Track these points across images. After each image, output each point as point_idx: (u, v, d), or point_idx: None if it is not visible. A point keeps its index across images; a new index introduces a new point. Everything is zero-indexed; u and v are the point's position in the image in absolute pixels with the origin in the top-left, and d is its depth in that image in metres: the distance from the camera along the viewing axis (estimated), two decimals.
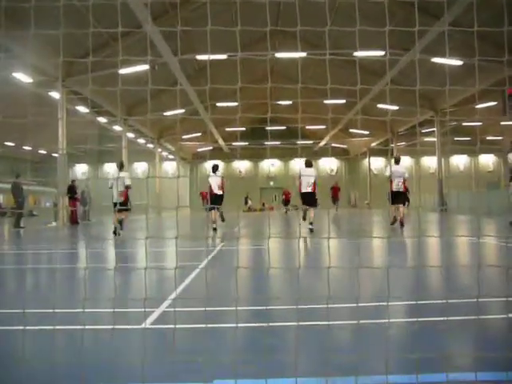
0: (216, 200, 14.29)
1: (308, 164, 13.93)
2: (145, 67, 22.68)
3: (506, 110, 23.65)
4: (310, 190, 13.47)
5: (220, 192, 14.51)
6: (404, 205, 14.51)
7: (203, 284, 4.67)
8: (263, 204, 51.02)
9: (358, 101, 29.60)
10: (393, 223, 14.13)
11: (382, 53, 22.64)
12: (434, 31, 17.89)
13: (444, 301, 3.83)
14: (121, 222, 13.11)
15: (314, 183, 13.51)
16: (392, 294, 4.36)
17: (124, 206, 12.63)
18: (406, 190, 15.16)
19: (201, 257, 7.85)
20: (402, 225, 13.70)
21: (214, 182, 14.50)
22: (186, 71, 27.49)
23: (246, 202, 48.38)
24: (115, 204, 12.63)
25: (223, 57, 23.64)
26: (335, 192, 29.91)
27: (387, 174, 14.52)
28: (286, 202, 34.15)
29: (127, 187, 13.14)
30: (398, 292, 4.60)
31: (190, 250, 9.31)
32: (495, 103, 27.71)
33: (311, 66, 28.60)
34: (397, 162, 14.53)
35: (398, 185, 13.96)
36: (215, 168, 14.91)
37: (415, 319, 3.52)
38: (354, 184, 51.34)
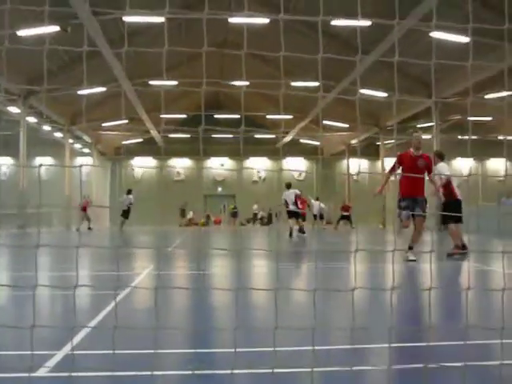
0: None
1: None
2: (53, 29, 22.33)
3: None
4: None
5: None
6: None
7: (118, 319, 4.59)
8: (208, 216, 50.92)
9: (319, 78, 29.91)
10: (458, 251, 12.24)
11: (367, 23, 22.98)
12: None
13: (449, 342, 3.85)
14: (300, 229, 21.02)
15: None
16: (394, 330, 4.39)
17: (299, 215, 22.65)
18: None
19: (122, 283, 7.76)
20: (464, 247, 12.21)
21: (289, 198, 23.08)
22: (110, 36, 27.19)
23: (183, 215, 48.14)
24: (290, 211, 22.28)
25: (160, 19, 23.52)
26: (417, 184, 12.73)
27: (446, 172, 13.27)
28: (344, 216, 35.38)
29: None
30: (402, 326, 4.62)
31: (109, 274, 9.18)
32: (510, 93, 28.48)
33: (276, 37, 28.70)
34: (441, 157, 13.41)
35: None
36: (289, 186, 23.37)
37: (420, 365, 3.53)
38: (327, 193, 51.51)
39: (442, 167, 12.98)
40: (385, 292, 6.19)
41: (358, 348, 4.03)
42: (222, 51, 32.46)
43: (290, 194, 23.21)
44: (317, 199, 31.44)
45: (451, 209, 12.26)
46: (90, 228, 32.72)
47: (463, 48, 24.49)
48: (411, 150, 12.08)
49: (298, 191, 23.49)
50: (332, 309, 6.05)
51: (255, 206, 50.56)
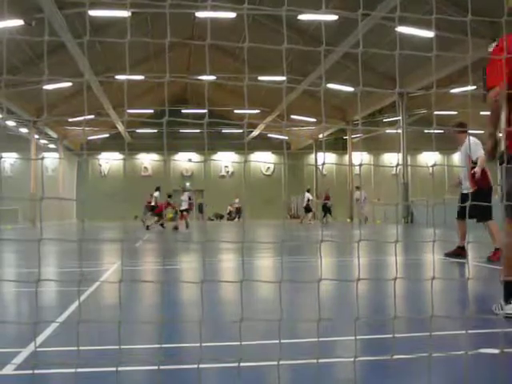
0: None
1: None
2: (16, 22, 22.02)
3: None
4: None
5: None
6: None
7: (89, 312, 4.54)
8: (175, 211, 50.61)
9: (285, 71, 29.96)
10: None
11: (334, 17, 23.07)
12: None
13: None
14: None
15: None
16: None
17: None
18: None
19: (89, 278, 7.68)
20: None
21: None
22: (76, 31, 26.91)
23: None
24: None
25: (125, 13, 23.32)
26: None
27: (480, 153, 9.82)
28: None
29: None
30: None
31: (72, 270, 9.10)
32: (474, 87, 28.78)
33: (243, 32, 28.71)
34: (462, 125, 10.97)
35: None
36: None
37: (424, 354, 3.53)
38: (294, 187, 51.55)
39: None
40: (352, 284, 6.20)
41: (323, 340, 4.04)
42: (189, 46, 32.36)
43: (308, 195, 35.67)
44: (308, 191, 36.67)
45: (486, 199, 9.31)
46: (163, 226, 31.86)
47: (429, 43, 24.70)
48: None
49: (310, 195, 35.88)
50: (299, 301, 6.05)
51: (237, 200, 49.17)
